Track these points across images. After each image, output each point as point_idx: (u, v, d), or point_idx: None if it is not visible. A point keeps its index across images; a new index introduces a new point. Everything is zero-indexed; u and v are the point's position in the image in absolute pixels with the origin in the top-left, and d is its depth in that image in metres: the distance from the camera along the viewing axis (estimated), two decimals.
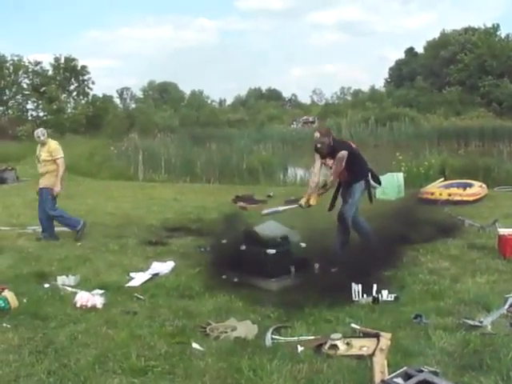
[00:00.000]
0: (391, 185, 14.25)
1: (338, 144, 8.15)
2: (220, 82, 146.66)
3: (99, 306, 6.26)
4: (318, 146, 8.06)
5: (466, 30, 70.12)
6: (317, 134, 8.16)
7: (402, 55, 79.97)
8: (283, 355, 4.81)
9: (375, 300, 6.18)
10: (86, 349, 5.11)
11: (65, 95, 60.25)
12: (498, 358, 4.61)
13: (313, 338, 5.20)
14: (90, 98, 62.67)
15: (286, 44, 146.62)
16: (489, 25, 70.35)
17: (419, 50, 76.96)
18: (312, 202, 7.94)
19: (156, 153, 24.38)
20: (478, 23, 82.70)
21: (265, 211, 8.39)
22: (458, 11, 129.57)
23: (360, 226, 8.23)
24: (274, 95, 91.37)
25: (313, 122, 62.77)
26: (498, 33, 69.72)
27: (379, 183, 8.56)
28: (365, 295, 6.30)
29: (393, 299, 6.24)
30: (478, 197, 13.55)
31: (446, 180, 15.39)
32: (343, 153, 7.86)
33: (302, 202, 7.97)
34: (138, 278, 7.32)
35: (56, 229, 10.28)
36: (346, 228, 8.01)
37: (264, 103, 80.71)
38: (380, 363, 4.44)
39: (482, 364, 4.54)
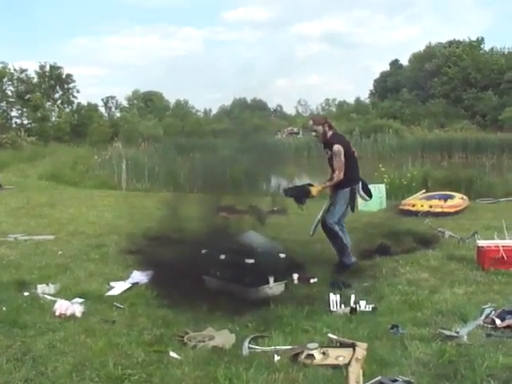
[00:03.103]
0: (373, 196, 14.33)
1: (335, 137, 8.03)
2: (205, 92, 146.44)
3: (78, 314, 6.24)
4: (313, 134, 8.10)
5: (451, 43, 70.73)
6: (310, 122, 8.21)
7: (386, 67, 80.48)
8: (259, 364, 4.83)
9: (353, 310, 6.22)
10: (63, 357, 5.10)
11: (49, 103, 60.29)
12: (473, 369, 4.65)
13: (289, 347, 5.23)
14: (75, 106, 62.72)
15: (272, 55, 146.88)
16: (473, 38, 71.08)
17: (404, 62, 77.51)
18: (313, 191, 7.92)
19: (140, 162, 24.30)
20: (462, 36, 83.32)
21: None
22: (443, 24, 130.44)
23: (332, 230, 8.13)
24: (259, 106, 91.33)
25: (297, 133, 62.87)
26: (483, 46, 70.55)
27: (370, 196, 8.54)
28: (343, 305, 6.34)
29: (370, 310, 6.28)
30: (458, 208, 13.67)
31: (427, 192, 15.50)
32: (338, 147, 7.80)
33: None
34: (118, 287, 7.30)
35: (37, 237, 10.26)
36: (334, 235, 7.99)
37: (249, 114, 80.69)
38: (355, 373, 4.46)
39: (457, 374, 4.58)
